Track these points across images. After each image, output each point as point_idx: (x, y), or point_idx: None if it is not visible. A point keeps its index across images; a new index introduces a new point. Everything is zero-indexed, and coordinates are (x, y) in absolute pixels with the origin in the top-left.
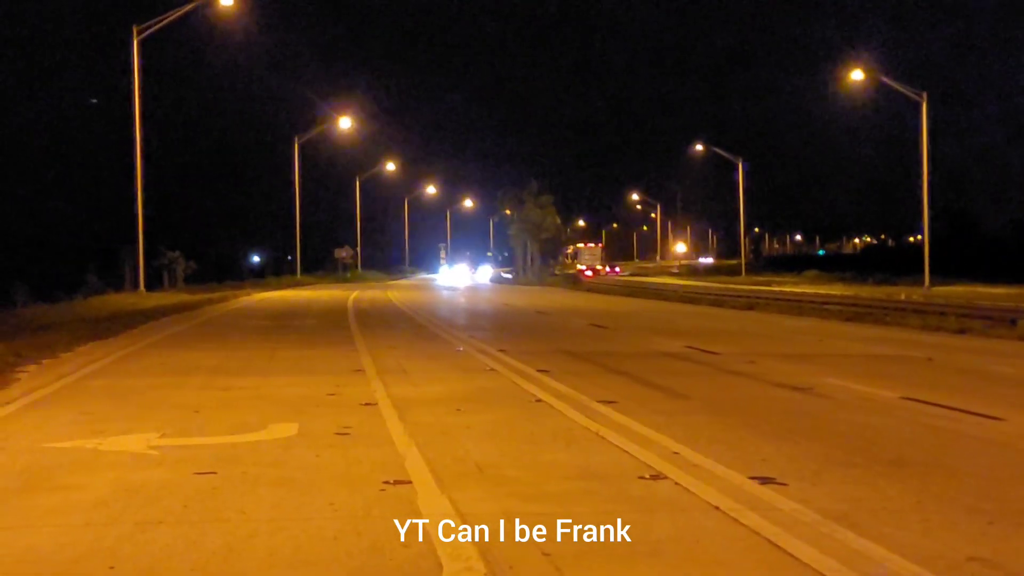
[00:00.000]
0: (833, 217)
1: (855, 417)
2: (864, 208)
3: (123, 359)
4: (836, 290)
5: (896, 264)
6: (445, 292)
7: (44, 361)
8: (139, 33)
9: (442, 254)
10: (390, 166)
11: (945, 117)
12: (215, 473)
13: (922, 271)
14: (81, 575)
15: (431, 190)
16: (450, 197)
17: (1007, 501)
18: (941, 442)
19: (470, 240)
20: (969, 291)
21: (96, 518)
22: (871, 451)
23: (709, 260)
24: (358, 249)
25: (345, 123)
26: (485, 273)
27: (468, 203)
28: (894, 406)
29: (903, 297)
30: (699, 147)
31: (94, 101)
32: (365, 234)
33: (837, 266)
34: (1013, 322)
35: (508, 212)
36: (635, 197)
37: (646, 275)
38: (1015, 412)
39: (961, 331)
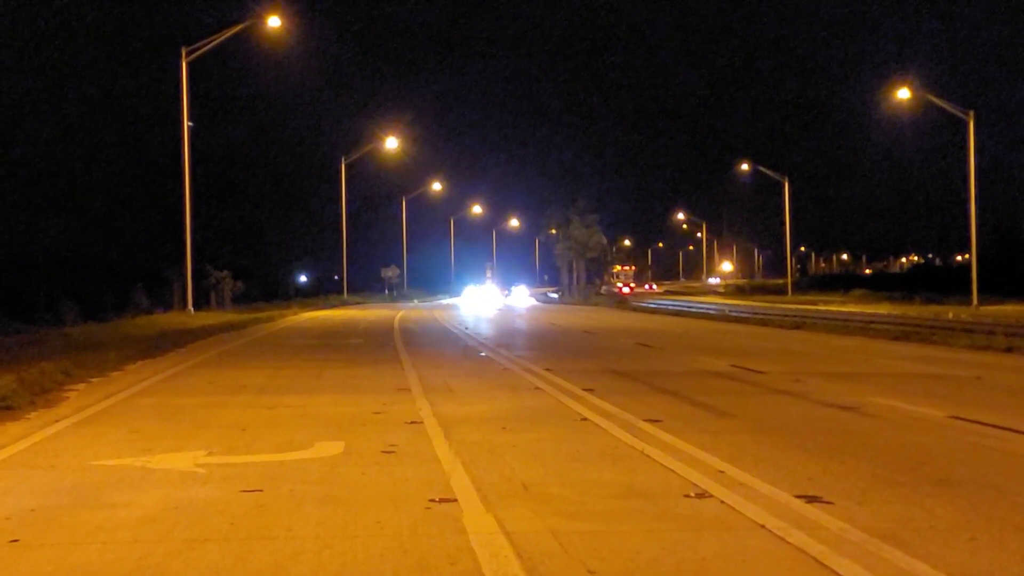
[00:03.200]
0: (880, 236)
1: (902, 436)
2: (911, 227)
3: (171, 378)
4: (883, 309)
5: (943, 283)
6: (493, 312)
7: (93, 379)
8: (188, 55)
9: (488, 273)
10: (436, 186)
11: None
12: (262, 491)
13: (970, 290)
14: None
15: (477, 209)
16: (496, 217)
17: None
18: (989, 461)
19: (516, 260)
20: (1018, 310)
21: (144, 535)
22: (918, 470)
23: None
24: (404, 268)
25: (391, 143)
26: (521, 295)
27: (514, 222)
28: (942, 425)
29: (951, 316)
30: (744, 166)
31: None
32: (411, 254)
33: (884, 285)
34: None
35: (554, 231)
36: (680, 216)
37: (692, 294)
38: None
39: (1009, 350)
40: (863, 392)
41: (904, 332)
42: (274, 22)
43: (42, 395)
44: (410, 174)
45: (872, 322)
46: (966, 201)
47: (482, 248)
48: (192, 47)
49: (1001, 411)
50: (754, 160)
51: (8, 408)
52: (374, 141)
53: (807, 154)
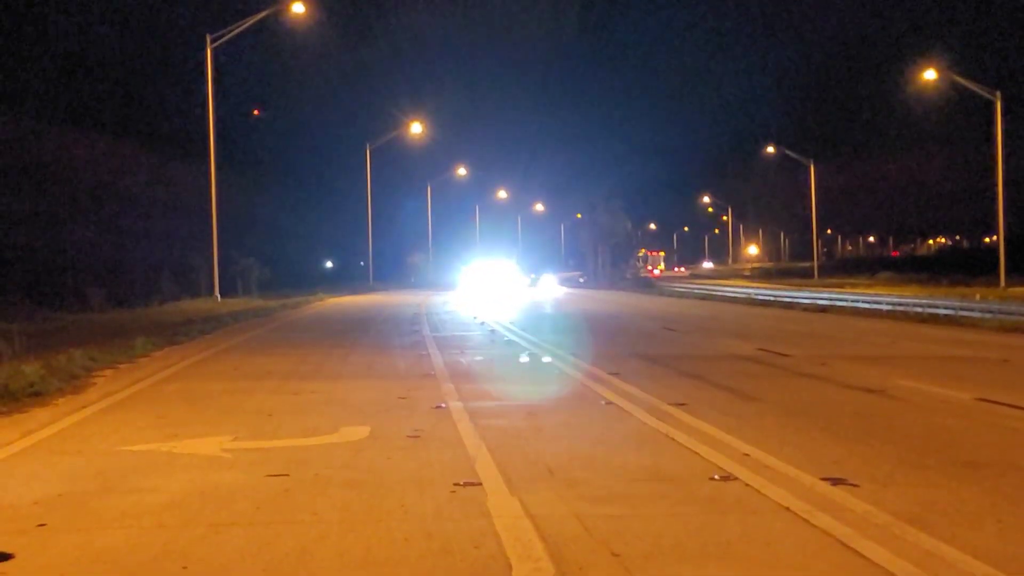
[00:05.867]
0: (906, 218)
1: (928, 419)
2: (938, 209)
3: (197, 364)
4: (910, 292)
5: (971, 265)
6: (518, 298)
7: (120, 365)
8: (213, 41)
9: (513, 259)
10: (461, 171)
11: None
12: (287, 475)
13: (998, 272)
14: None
15: (502, 195)
16: (521, 203)
17: None
18: (1017, 443)
19: (541, 245)
20: None
21: (170, 520)
22: (945, 453)
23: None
24: (430, 255)
25: (416, 129)
26: (549, 283)
27: (539, 207)
28: (968, 407)
29: (978, 298)
30: (770, 149)
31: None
32: (437, 240)
33: (911, 268)
34: None
35: (579, 216)
36: (706, 200)
37: (717, 277)
38: None
39: None
40: (889, 375)
41: (931, 315)
42: (298, 8)
43: (70, 381)
44: (437, 160)
45: (899, 305)
46: (994, 182)
47: (508, 234)
48: (217, 34)
49: None
50: (780, 144)
51: (36, 394)
52: (399, 127)
53: (833, 137)
